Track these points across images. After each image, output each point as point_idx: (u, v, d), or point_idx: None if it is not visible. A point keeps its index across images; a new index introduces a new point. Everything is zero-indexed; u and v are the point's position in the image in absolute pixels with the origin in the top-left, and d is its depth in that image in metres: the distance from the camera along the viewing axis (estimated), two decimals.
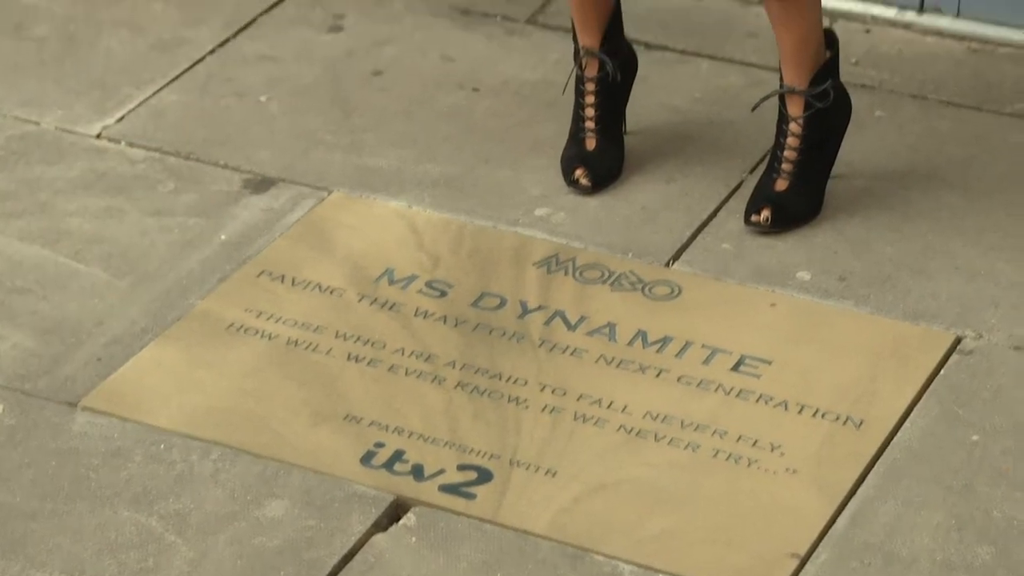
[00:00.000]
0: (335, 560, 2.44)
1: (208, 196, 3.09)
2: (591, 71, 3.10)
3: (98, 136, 3.24)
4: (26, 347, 2.79)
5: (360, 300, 2.87)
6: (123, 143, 3.22)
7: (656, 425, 2.64)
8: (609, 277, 2.91)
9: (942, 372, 2.73)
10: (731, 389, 2.70)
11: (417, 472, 2.57)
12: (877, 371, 2.72)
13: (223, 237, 3.00)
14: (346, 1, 3.60)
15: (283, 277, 2.91)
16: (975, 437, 2.62)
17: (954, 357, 2.75)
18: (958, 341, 2.78)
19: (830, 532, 2.48)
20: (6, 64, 3.41)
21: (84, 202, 3.08)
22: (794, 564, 2.44)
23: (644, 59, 3.28)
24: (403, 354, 2.76)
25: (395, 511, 2.52)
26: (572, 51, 3.14)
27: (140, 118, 3.28)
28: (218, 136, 3.24)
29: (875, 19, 3.51)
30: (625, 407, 2.67)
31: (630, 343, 2.78)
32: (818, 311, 2.84)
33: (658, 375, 2.73)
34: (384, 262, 2.94)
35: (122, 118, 3.28)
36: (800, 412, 2.66)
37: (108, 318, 2.84)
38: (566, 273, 2.92)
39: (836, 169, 3.06)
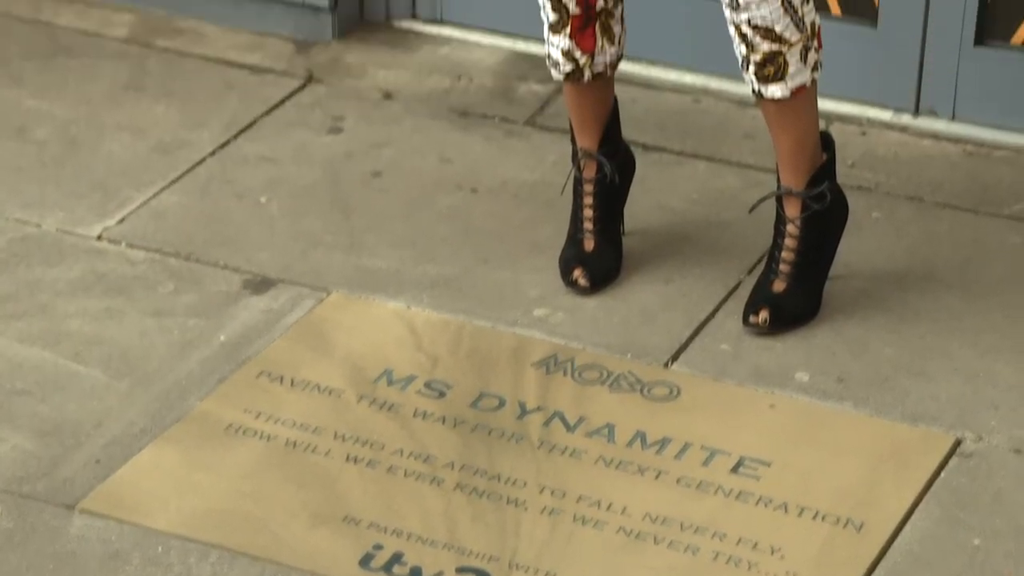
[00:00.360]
0: None
1: (208, 297, 3.10)
2: (589, 172, 3.11)
3: (99, 238, 3.25)
4: (25, 449, 2.78)
5: (359, 401, 2.87)
6: (123, 244, 3.23)
7: (655, 527, 2.63)
8: (608, 378, 2.91)
9: (942, 475, 2.72)
10: (730, 491, 2.69)
11: (416, 575, 2.56)
12: (877, 473, 2.72)
13: (222, 338, 3.01)
14: (345, 103, 3.62)
15: (282, 378, 2.91)
16: (976, 541, 2.61)
17: (954, 459, 2.75)
18: (958, 443, 2.78)
19: None
20: (8, 167, 3.42)
21: (84, 303, 3.08)
22: None
23: (642, 160, 3.30)
24: (402, 455, 2.76)
25: None
26: (570, 152, 3.15)
27: (141, 219, 3.29)
28: (218, 237, 3.25)
29: (871, 122, 3.54)
30: (624, 509, 2.66)
31: (629, 444, 2.78)
32: (817, 412, 2.84)
33: (657, 476, 2.72)
34: (383, 362, 2.94)
35: (123, 220, 3.29)
36: (800, 514, 2.66)
37: (107, 419, 2.84)
38: (565, 374, 2.92)
39: (834, 270, 3.07)
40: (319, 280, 3.14)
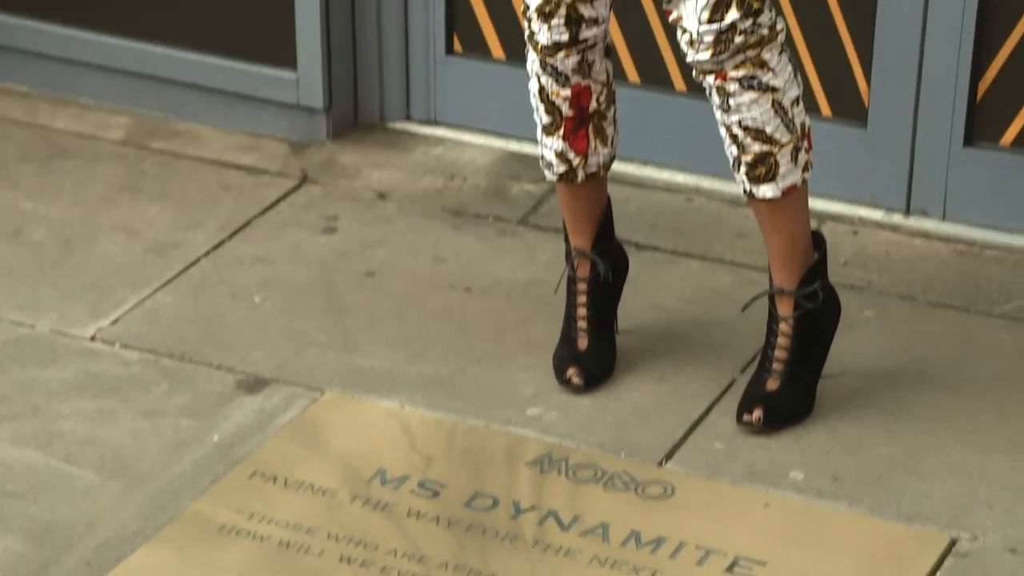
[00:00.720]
0: None
1: (201, 397, 3.10)
2: (583, 271, 3.12)
3: (92, 338, 3.25)
4: (16, 552, 2.77)
5: (353, 501, 2.86)
6: (117, 345, 3.24)
7: None
8: (602, 477, 2.91)
9: (938, 575, 2.71)
10: None
11: None
12: (873, 573, 2.71)
13: (216, 438, 3.00)
14: (339, 203, 3.64)
15: (275, 478, 2.91)
16: None
17: (949, 559, 2.74)
18: (953, 543, 2.77)
19: None
20: (3, 269, 3.43)
21: (77, 404, 3.08)
22: None
23: (635, 259, 3.32)
24: (396, 555, 2.75)
25: None
26: (564, 251, 3.17)
27: (134, 320, 3.30)
28: (212, 337, 3.25)
29: (863, 221, 3.55)
30: None
31: (624, 543, 2.77)
32: (812, 511, 2.84)
33: None
34: (377, 462, 2.94)
35: (116, 320, 3.30)
36: None
37: (100, 521, 2.83)
38: (559, 473, 2.92)
39: (827, 368, 3.07)
40: (313, 380, 3.14)
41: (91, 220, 3.58)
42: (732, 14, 2.76)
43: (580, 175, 3.04)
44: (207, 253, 3.49)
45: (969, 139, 3.45)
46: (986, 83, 3.43)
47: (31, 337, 3.25)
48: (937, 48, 3.41)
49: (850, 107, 3.53)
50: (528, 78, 3.02)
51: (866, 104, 3.51)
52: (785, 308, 2.99)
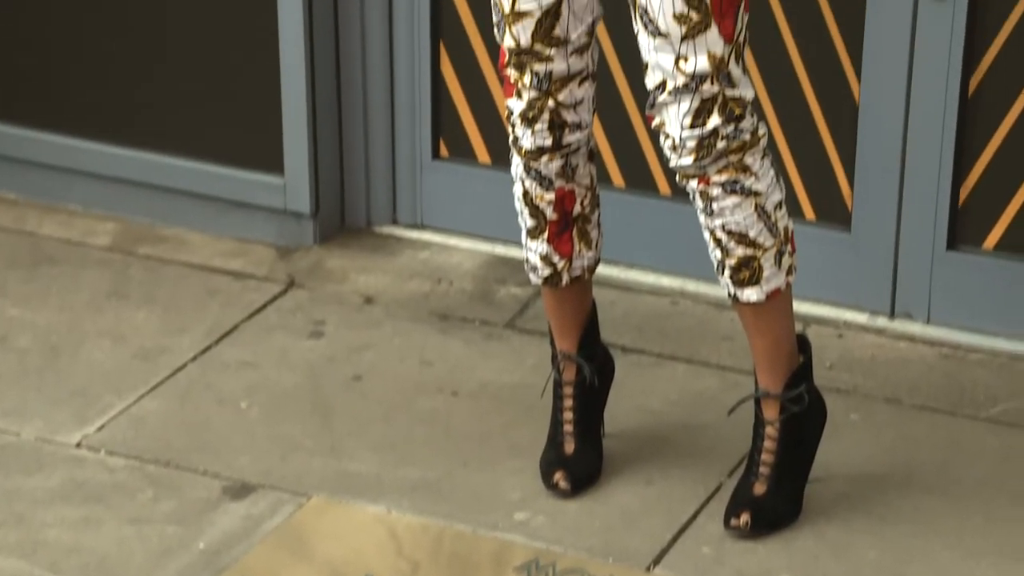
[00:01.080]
0: None
1: (187, 504, 3.09)
2: (569, 375, 3.13)
3: (78, 445, 3.24)
4: None
5: None
6: (103, 452, 3.23)
7: None
8: None
9: None
10: None
11: None
12: None
13: (201, 545, 2.99)
14: (326, 308, 3.65)
15: None
16: None
17: None
18: None
19: None
20: None
21: (62, 512, 3.07)
22: None
23: (621, 363, 3.32)
24: None
25: None
26: (550, 355, 3.17)
27: (120, 426, 3.29)
28: (198, 443, 3.25)
29: (847, 324, 3.56)
30: None
31: None
32: None
33: None
34: (363, 568, 2.92)
35: (102, 427, 3.29)
36: None
37: None
38: None
39: (813, 472, 3.07)
40: (299, 485, 3.13)
41: (77, 326, 3.58)
42: (714, 120, 2.78)
43: (565, 278, 3.05)
44: (194, 358, 3.49)
45: (952, 243, 3.47)
46: (968, 187, 3.45)
47: (16, 445, 3.24)
48: (919, 152, 3.44)
49: (833, 211, 3.55)
50: (513, 182, 3.03)
51: (849, 208, 3.53)
52: (771, 411, 2.99)
